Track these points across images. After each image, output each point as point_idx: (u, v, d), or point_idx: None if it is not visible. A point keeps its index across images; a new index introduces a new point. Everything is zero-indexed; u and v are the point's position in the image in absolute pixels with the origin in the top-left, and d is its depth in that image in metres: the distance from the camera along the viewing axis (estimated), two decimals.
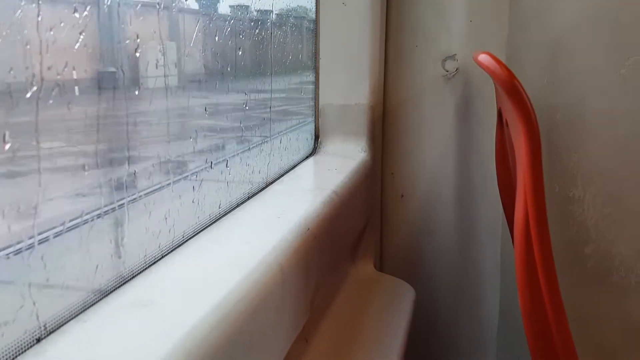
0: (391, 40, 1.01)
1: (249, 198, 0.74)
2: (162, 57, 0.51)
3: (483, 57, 0.52)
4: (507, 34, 0.96)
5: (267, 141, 0.85)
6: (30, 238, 0.37)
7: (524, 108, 0.49)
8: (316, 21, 0.99)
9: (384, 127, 1.04)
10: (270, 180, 0.82)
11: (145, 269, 0.49)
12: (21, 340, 0.35)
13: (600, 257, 0.99)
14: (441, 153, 1.02)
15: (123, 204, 0.47)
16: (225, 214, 0.66)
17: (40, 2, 0.37)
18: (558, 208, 0.89)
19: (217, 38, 0.69)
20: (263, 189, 0.79)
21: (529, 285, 0.56)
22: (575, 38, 0.93)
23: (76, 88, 0.41)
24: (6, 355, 0.34)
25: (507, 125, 0.74)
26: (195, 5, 0.66)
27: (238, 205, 0.70)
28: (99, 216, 0.44)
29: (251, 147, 0.81)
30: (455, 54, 0.98)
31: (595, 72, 0.93)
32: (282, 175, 0.86)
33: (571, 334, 0.56)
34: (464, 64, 0.98)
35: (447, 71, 0.99)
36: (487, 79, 0.93)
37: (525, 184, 0.53)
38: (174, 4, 0.57)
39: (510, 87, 0.50)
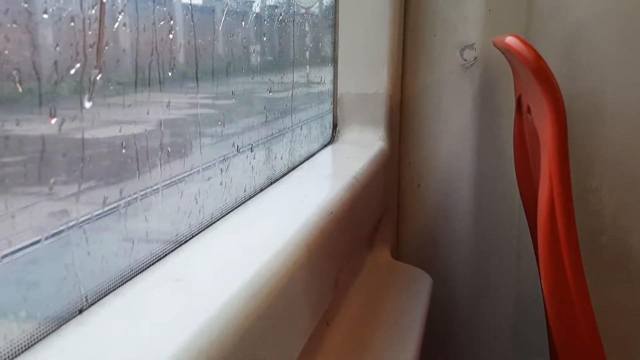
0: (410, 29, 1.01)
1: (270, 184, 0.75)
2: None
3: (510, 40, 0.53)
4: (526, 24, 0.97)
5: None
6: None
7: (551, 90, 0.50)
8: (335, 10, 0.99)
9: (401, 116, 1.05)
10: (289, 168, 0.82)
11: (175, 248, 0.50)
12: (65, 311, 0.36)
13: (617, 247, 0.99)
14: (458, 142, 1.03)
15: None
16: (250, 197, 0.67)
17: None
18: (575, 198, 0.89)
19: None
20: (283, 175, 0.79)
21: (553, 271, 0.56)
22: (593, 29, 0.93)
23: None
24: (51, 324, 0.35)
25: (528, 112, 0.74)
26: None
27: (261, 190, 0.71)
28: None
29: None
30: (474, 43, 0.99)
31: (613, 63, 0.93)
32: (302, 163, 0.87)
33: (595, 318, 0.57)
34: (482, 53, 0.99)
35: (465, 60, 0.99)
36: (505, 68, 0.93)
37: (551, 168, 0.53)
38: None
39: (537, 68, 0.50)
